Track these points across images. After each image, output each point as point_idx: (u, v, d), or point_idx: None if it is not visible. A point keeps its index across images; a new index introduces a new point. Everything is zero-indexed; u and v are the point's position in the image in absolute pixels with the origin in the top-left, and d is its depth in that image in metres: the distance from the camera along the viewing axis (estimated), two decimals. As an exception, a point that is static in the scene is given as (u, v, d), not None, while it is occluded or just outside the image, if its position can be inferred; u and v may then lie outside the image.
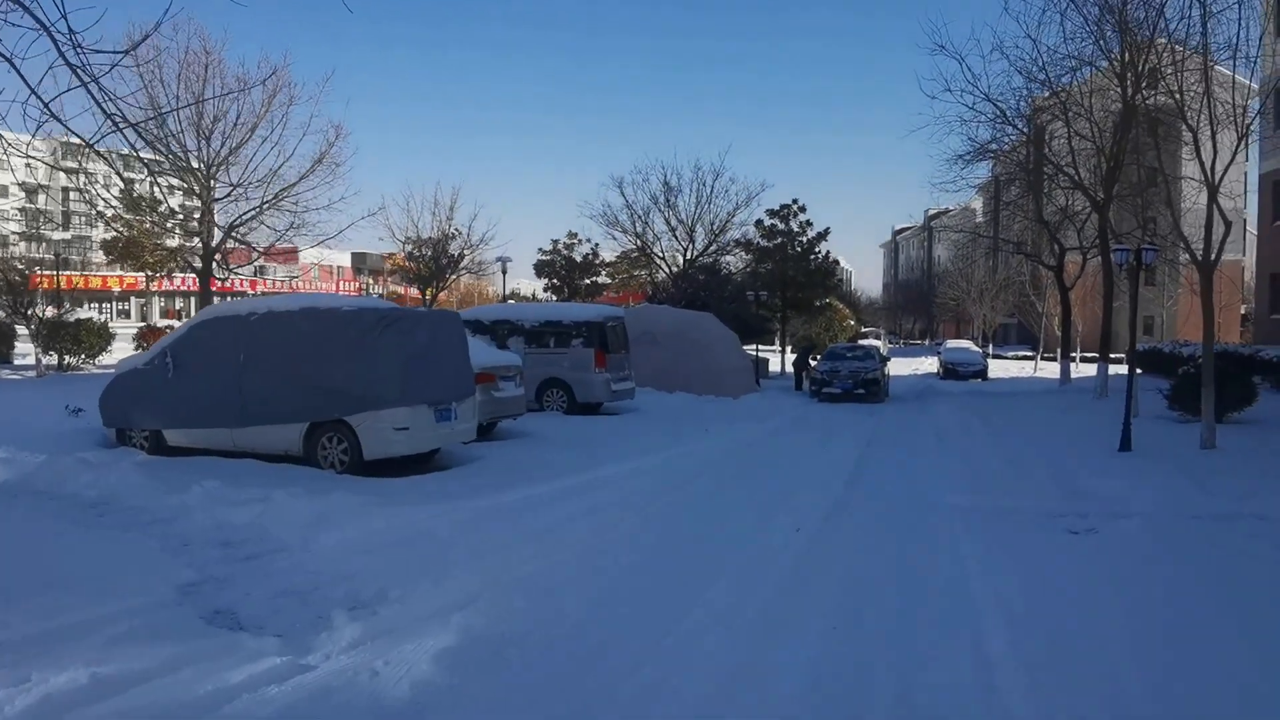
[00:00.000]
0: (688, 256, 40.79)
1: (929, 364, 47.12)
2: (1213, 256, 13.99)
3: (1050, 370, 41.74)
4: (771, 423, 19.59)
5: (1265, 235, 32.96)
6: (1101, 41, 21.35)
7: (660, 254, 41.87)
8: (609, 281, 51.09)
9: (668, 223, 40.92)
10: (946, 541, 8.37)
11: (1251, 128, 19.47)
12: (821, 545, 8.20)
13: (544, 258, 47.43)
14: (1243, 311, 55.07)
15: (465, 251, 39.49)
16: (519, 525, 8.79)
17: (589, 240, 47.23)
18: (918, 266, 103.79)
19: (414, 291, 41.27)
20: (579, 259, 47.10)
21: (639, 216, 40.99)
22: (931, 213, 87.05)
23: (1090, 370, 37.60)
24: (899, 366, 44.09)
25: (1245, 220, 44.56)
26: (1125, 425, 13.87)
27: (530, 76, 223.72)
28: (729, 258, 42.51)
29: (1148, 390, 20.20)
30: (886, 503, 10.32)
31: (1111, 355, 26.63)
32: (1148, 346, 35.28)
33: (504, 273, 38.38)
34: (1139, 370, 33.89)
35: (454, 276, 41.31)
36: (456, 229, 37.54)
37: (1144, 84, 20.91)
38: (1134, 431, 14.12)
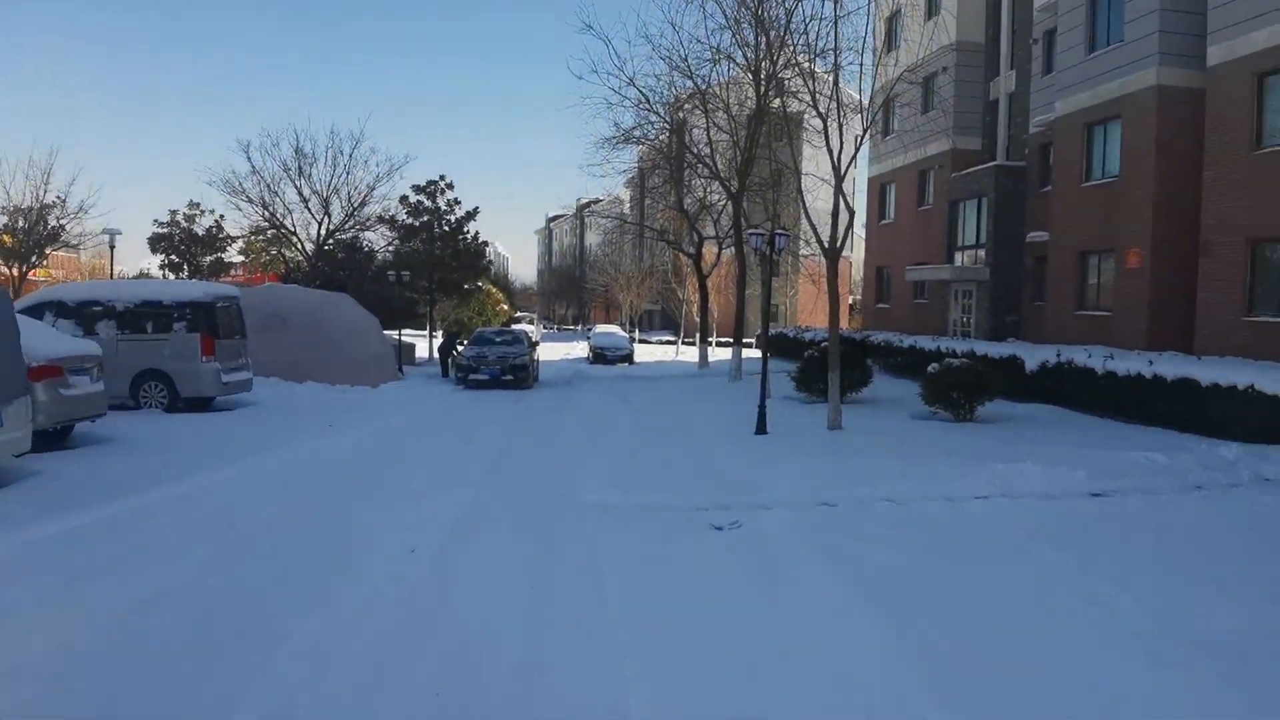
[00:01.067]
0: (323, 230, 37.42)
1: (580, 349, 47.60)
2: (839, 243, 14.53)
3: (690, 354, 43.76)
4: (409, 414, 17.96)
5: (872, 232, 36.66)
6: (738, 37, 22.06)
7: (293, 228, 38.08)
8: (241, 259, 46.06)
9: (300, 193, 37.23)
10: (586, 556, 7.31)
11: (874, 128, 21.12)
12: (439, 576, 6.71)
13: (160, 230, 41.49)
14: (850, 302, 61.89)
15: (63, 222, 33.43)
16: (34, 584, 6.50)
17: (213, 212, 42.06)
18: (570, 253, 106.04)
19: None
20: (201, 232, 41.74)
21: (268, 186, 36.94)
22: (583, 201, 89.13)
23: (726, 354, 39.84)
24: (551, 351, 44.15)
25: (853, 218, 49.72)
26: (761, 409, 14.00)
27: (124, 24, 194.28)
28: (371, 234, 39.70)
29: (776, 373, 21.09)
30: (525, 506, 9.19)
31: (744, 340, 27.97)
32: (775, 332, 37.99)
33: (112, 247, 32.85)
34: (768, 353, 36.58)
35: (49, 251, 34.91)
36: (58, 196, 31.69)
37: (776, 78, 21.78)
38: (767, 414, 14.31)
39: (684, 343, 51.47)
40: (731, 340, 29.25)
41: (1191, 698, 4.59)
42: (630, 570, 6.78)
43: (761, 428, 13.79)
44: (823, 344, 19.64)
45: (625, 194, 60.57)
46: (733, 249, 28.00)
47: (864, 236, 39.50)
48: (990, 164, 27.71)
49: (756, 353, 36.35)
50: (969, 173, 28.65)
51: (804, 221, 22.40)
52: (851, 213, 14.35)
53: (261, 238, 42.37)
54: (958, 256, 29.39)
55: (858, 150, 14.62)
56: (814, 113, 15.26)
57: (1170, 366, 15.25)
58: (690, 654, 5.09)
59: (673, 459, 11.92)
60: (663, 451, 12.59)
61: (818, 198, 26.08)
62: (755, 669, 4.89)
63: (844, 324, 58.11)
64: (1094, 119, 22.77)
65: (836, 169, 14.05)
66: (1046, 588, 6.41)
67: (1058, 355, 17.97)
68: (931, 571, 6.76)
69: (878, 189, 35.77)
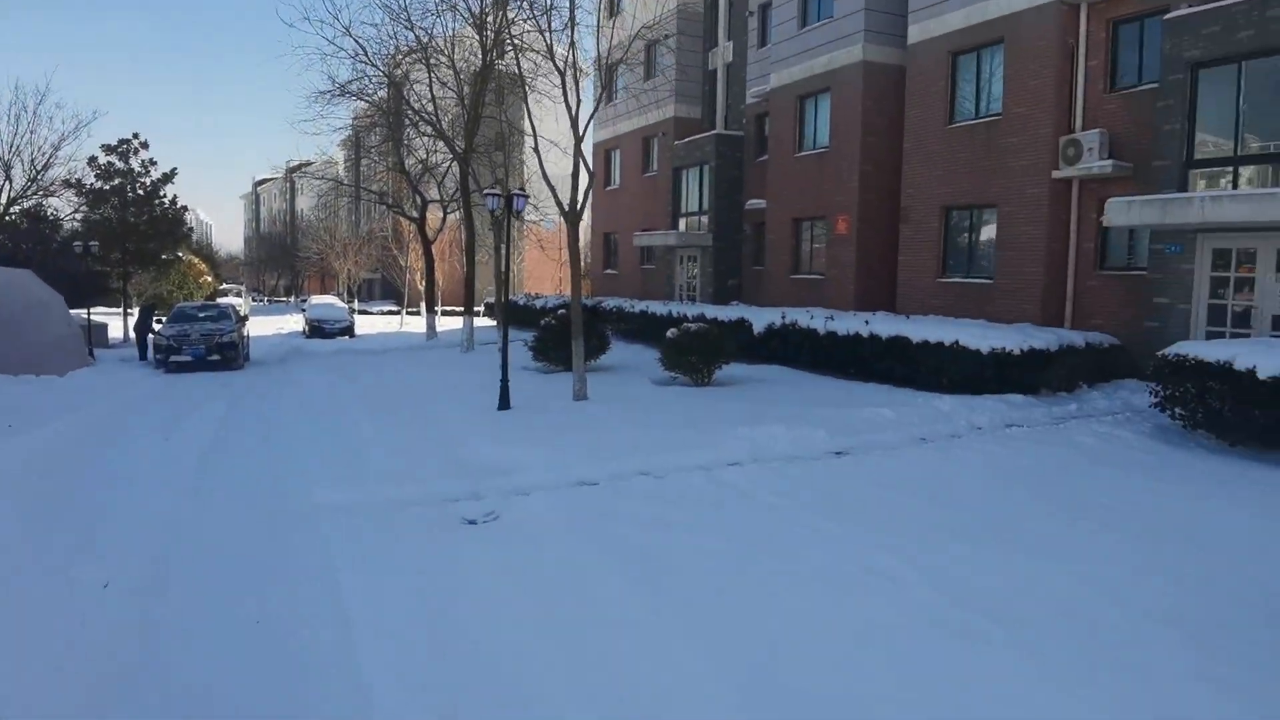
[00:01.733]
0: (3, 199, 31.89)
1: (295, 322, 44.15)
2: (579, 206, 14.02)
3: (416, 325, 41.96)
4: (99, 407, 15.38)
5: (599, 198, 36.69)
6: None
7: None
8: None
9: (-25, 156, 31.36)
10: (324, 576, 6.26)
11: (601, 91, 20.75)
12: (140, 634, 5.42)
13: None
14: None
15: None
16: None
17: None
18: (280, 220, 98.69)
19: None
20: None
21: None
22: (293, 164, 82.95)
23: (454, 324, 38.53)
24: (262, 326, 40.40)
25: (592, 180, 49.73)
26: (503, 383, 13.26)
27: None
28: (56, 201, 34.35)
29: (512, 342, 20.42)
30: (243, 518, 7.88)
31: (474, 309, 26.96)
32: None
33: None
34: (496, 323, 35.66)
35: None
36: None
37: (506, 31, 20.82)
38: (493, 382, 13.63)
39: (408, 313, 49.37)
40: (461, 309, 28.14)
41: (998, 669, 4.49)
42: (379, 589, 5.85)
43: (505, 402, 13.08)
44: (559, 311, 19.19)
45: (340, 155, 56.89)
46: (459, 212, 26.81)
47: (591, 202, 39.50)
48: (711, 133, 28.44)
49: (487, 322, 35.49)
50: (691, 140, 29.26)
51: (535, 184, 21.85)
52: (591, 175, 13.88)
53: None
54: (682, 223, 30.03)
55: (597, 108, 14.13)
56: (547, 69, 14.60)
57: (884, 326, 16.22)
58: (466, 690, 4.33)
59: (411, 444, 10.90)
60: (399, 436, 11.52)
61: (548, 160, 25.55)
62: (544, 691, 4.23)
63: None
64: (806, 92, 23.86)
65: (575, 126, 13.49)
66: (827, 560, 6.25)
67: (782, 318, 18.66)
68: (707, 551, 6.42)
69: (604, 155, 35.82)
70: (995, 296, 18.65)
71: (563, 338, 18.23)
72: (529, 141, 16.40)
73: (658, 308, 24.12)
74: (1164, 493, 8.35)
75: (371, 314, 55.15)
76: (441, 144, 30.11)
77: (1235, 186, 14.18)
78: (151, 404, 15.99)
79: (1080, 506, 7.80)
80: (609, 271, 35.82)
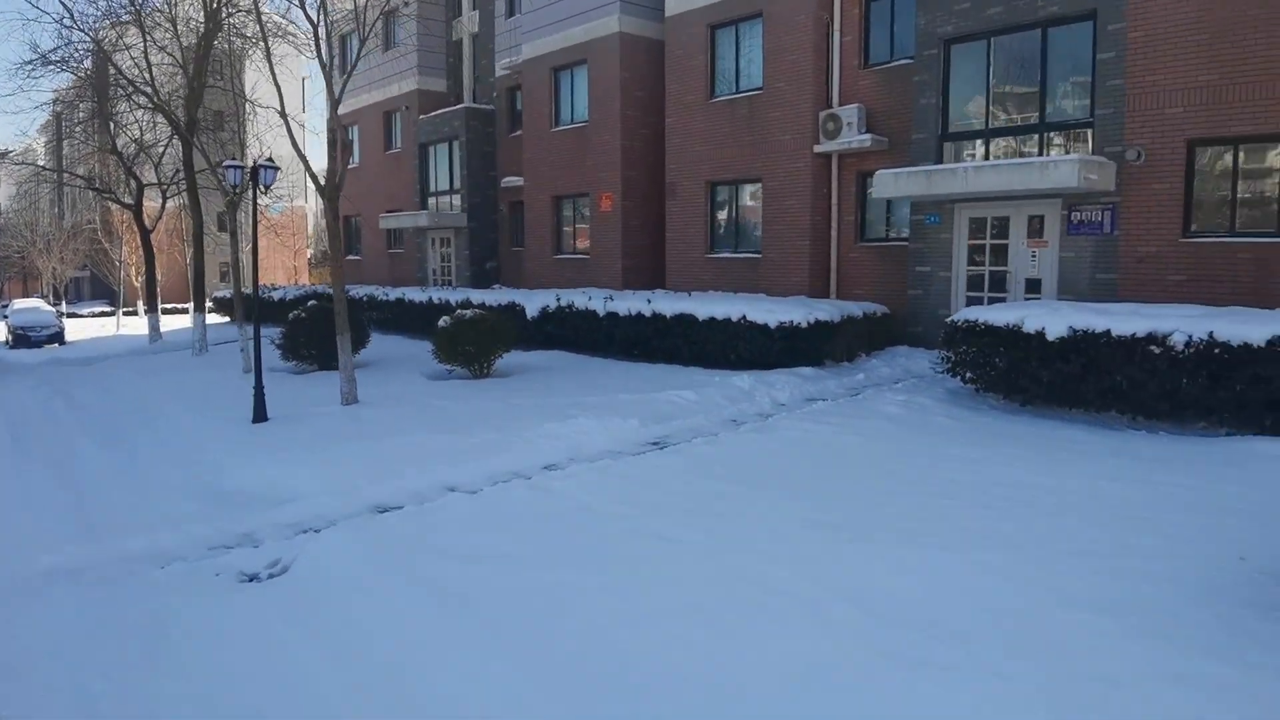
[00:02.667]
0: None
1: (-7, 330, 37.51)
2: (338, 179, 12.23)
3: (136, 327, 37.07)
4: None
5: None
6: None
7: None
8: None
9: None
10: (47, 683, 4.55)
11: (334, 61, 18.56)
12: None
13: None
14: (309, 256, 57.94)
15: None
16: None
17: None
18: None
19: None
20: None
21: None
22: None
23: (179, 323, 34.34)
24: None
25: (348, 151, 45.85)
26: (258, 389, 11.27)
27: None
28: None
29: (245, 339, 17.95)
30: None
31: (179, 305, 23.73)
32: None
33: None
34: (229, 319, 32.05)
35: None
36: None
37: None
38: (241, 388, 11.69)
39: (124, 313, 43.65)
40: (190, 307, 24.81)
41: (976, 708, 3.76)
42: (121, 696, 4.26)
43: (261, 413, 11.15)
44: (309, 302, 17.07)
45: (39, 144, 49.12)
46: (182, 197, 23.51)
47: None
48: (460, 106, 26.81)
49: (216, 319, 31.78)
50: (438, 115, 27.48)
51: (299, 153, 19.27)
52: (348, 144, 12.13)
53: None
54: (432, 202, 28.24)
55: (353, 69, 12.35)
56: (281, 31, 12.61)
57: (668, 304, 15.67)
58: None
59: (155, 474, 8.87)
60: (139, 465, 9.37)
61: (279, 138, 22.96)
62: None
63: (306, 279, 54.25)
64: (561, 64, 22.91)
65: (331, 89, 11.68)
66: (712, 580, 5.33)
67: (558, 300, 17.69)
68: (569, 591, 5.30)
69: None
70: (764, 270, 18.71)
71: (315, 332, 16.26)
72: (264, 115, 14.29)
73: (415, 294, 22.35)
74: (997, 460, 8.22)
75: (82, 316, 48.03)
76: (160, 119, 26.37)
77: (989, 158, 14.83)
78: None
79: (932, 482, 7.44)
80: (352, 258, 33.19)
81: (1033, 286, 14.60)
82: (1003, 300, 14.66)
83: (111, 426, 11.89)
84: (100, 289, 55.48)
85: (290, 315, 16.51)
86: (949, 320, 11.95)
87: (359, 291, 25.30)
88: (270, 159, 12.15)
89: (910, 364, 14.60)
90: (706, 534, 6.15)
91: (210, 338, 21.82)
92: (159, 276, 28.10)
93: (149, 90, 20.73)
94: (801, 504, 6.82)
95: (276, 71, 11.91)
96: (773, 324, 13.92)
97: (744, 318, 14.28)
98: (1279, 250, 12.09)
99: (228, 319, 32.07)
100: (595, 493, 7.33)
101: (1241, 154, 12.54)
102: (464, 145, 26.38)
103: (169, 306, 42.01)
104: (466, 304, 18.95)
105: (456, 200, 27.00)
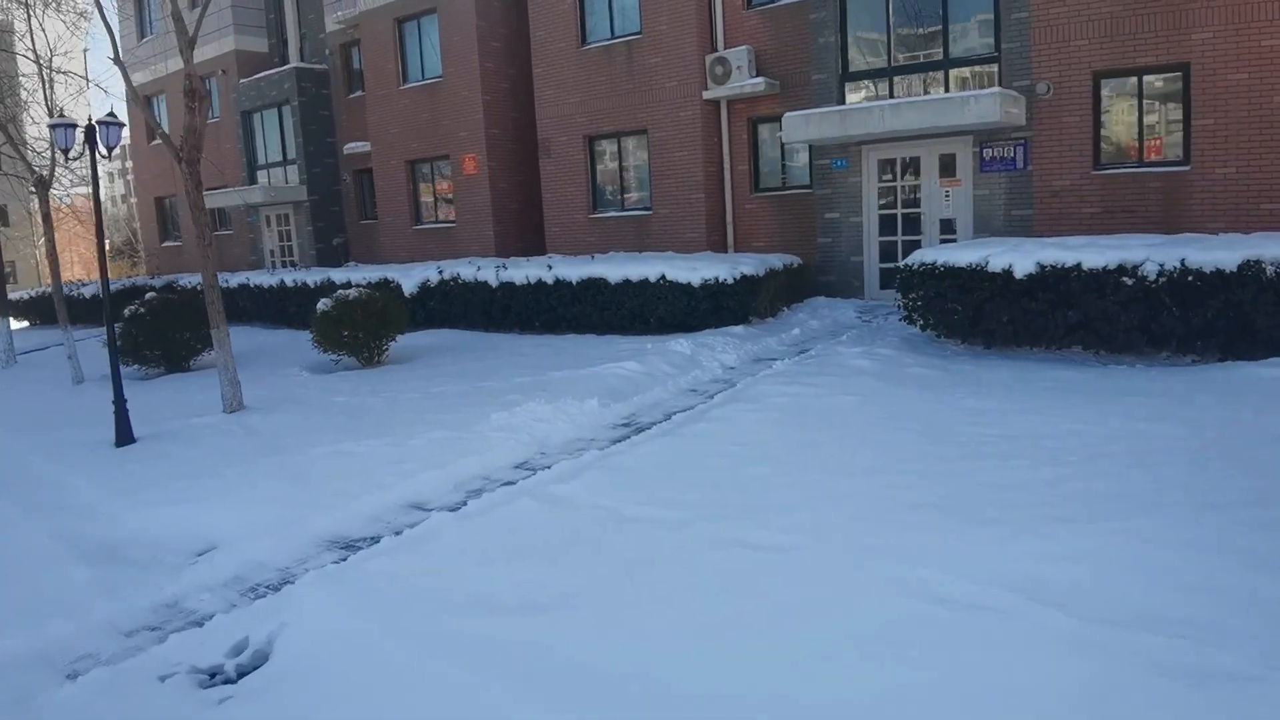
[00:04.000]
0: None
1: None
2: (199, 136, 10.03)
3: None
4: None
5: (144, 158, 30.09)
6: None
7: None
8: None
9: None
10: None
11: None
12: None
13: None
14: (109, 245, 52.05)
15: None
16: None
17: None
18: None
19: None
20: None
21: None
22: None
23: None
24: None
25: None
26: (119, 403, 9.04)
27: None
28: None
29: (78, 342, 15.18)
30: None
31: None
32: (34, 294, 29.21)
33: None
34: (29, 323, 27.99)
35: None
36: None
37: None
38: (81, 404, 9.47)
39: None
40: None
41: None
42: None
43: (126, 433, 8.97)
44: (147, 295, 14.53)
45: None
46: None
47: (132, 164, 32.47)
48: (288, 67, 24.00)
49: (16, 324, 27.57)
50: (262, 78, 24.56)
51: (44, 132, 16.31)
52: (207, 95, 9.95)
53: None
54: (263, 176, 25.35)
55: (206, 5, 10.13)
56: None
57: (571, 269, 14.24)
58: None
59: (20, 536, 6.68)
60: None
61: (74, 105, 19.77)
62: None
63: (118, 273, 48.71)
64: (405, 14, 20.76)
65: (183, 27, 9.48)
66: (840, 595, 4.13)
67: (440, 272, 15.88)
68: (669, 646, 3.94)
69: (144, 105, 29.20)
70: (656, 227, 17.54)
71: (157, 329, 13.88)
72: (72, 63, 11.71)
73: (262, 279, 19.81)
74: (1014, 410, 7.43)
75: None
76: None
77: (892, 96, 14.18)
78: None
79: (971, 441, 6.54)
80: (170, 244, 29.65)
81: (947, 227, 14.17)
82: (917, 243, 14.16)
83: None
84: None
85: (126, 311, 13.96)
86: (904, 264, 11.20)
87: (187, 280, 22.37)
88: (112, 113, 9.86)
89: (836, 315, 13.84)
90: (790, 532, 4.96)
91: (16, 346, 18.48)
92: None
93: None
94: (870, 482, 5.74)
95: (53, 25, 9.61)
96: (696, 282, 12.80)
97: (663, 277, 13.08)
98: (1187, 180, 12.03)
99: (26, 324, 28.01)
100: (609, 494, 5.95)
101: (1145, 84, 12.41)
102: (296, 110, 23.68)
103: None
104: (330, 284, 16.79)
105: (293, 172, 24.29)
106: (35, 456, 8.86)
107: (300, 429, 8.66)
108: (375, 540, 5.66)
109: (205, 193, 26.10)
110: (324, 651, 4.03)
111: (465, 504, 6.16)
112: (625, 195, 18.28)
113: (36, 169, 15.32)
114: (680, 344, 11.43)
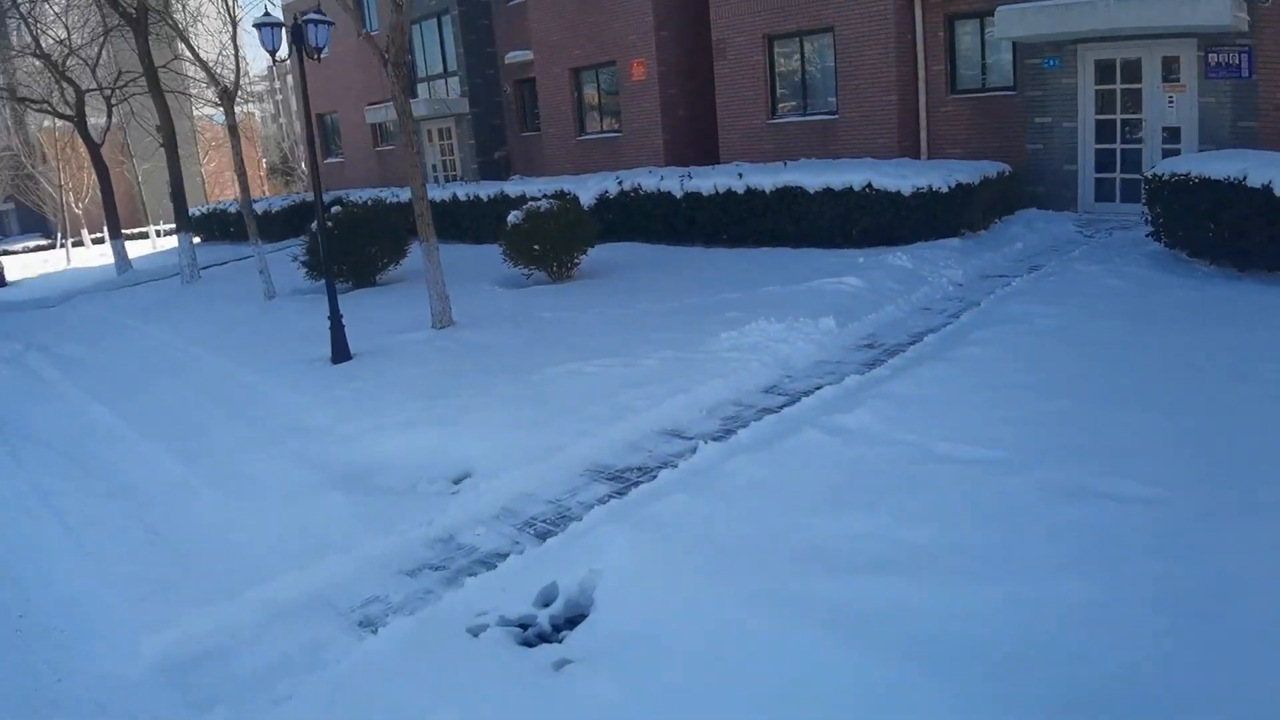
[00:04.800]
0: None
1: (-87, 280, 33.44)
2: (405, 36, 9.62)
3: (89, 258, 33.80)
4: None
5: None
6: None
7: None
8: None
9: None
10: None
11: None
12: None
13: None
14: (263, 166, 53.81)
15: None
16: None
17: None
18: None
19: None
20: None
21: None
22: None
23: (141, 249, 31.17)
24: None
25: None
26: (335, 321, 8.83)
27: None
28: None
29: (269, 254, 15.31)
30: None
31: (131, 231, 20.62)
32: (206, 210, 30.22)
33: None
34: (199, 239, 29.04)
35: None
36: None
37: None
38: (281, 320, 9.22)
39: (63, 245, 39.88)
40: (151, 230, 21.90)
41: None
42: None
43: (342, 350, 8.78)
44: (333, 208, 14.47)
45: None
46: (129, 105, 20.29)
47: (291, 80, 32.92)
48: (447, -26, 23.45)
49: (171, 243, 28.58)
50: (421, -13, 24.13)
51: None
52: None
53: None
54: (423, 89, 25.12)
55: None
56: None
57: (763, 177, 13.33)
58: None
59: (231, 456, 6.46)
60: (205, 443, 6.98)
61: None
62: None
63: (262, 190, 50.41)
64: (569, -90, 19.76)
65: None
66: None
67: (619, 183, 15.23)
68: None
69: (295, 18, 29.36)
70: (841, 132, 16.31)
71: (344, 245, 13.78)
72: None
73: (434, 193, 19.62)
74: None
75: (15, 253, 43.48)
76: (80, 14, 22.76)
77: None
78: None
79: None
80: (331, 160, 30.06)
81: (1171, 136, 12.60)
82: (1137, 153, 12.71)
83: (129, 388, 9.26)
84: (29, 221, 50.37)
85: (313, 226, 13.92)
86: (1151, 173, 9.89)
87: (356, 195, 22.52)
88: (320, 10, 9.51)
89: (1053, 229, 12.53)
90: (1146, 482, 4.12)
91: (180, 262, 18.90)
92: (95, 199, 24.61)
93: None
94: (1198, 423, 4.81)
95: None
96: (906, 190, 11.74)
97: (870, 185, 12.04)
98: None
99: (198, 240, 29.08)
100: (905, 427, 5.20)
101: None
102: (456, 20, 23.18)
103: (125, 232, 38.36)
104: (503, 197, 16.40)
105: (454, 84, 23.93)
106: (252, 375, 8.76)
107: (518, 347, 8.24)
108: (644, 472, 5.14)
109: (367, 107, 26.27)
110: (654, 609, 3.51)
111: (732, 433, 5.56)
112: (808, 99, 17.08)
113: (220, 79, 15.29)
114: (898, 257, 10.49)
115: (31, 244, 46.79)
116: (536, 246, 11.89)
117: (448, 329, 9.33)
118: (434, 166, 25.61)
